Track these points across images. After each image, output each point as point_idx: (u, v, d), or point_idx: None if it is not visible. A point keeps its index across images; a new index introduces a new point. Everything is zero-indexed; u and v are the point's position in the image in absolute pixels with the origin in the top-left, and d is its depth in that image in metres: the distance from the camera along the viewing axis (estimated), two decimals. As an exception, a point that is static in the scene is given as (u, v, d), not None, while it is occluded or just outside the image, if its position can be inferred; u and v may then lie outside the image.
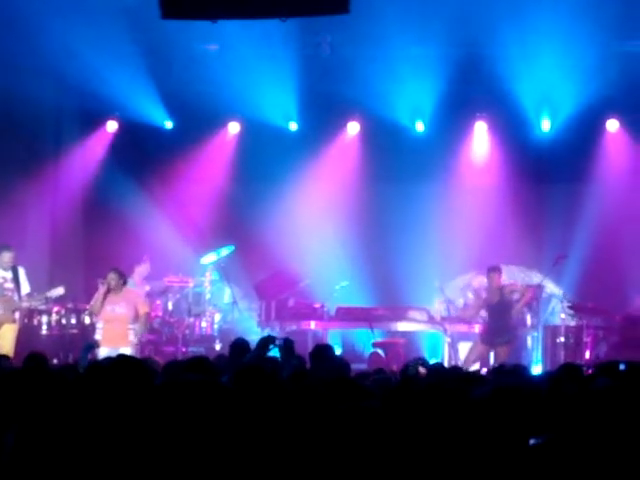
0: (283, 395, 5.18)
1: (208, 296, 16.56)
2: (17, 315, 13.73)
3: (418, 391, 4.88)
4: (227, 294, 16.97)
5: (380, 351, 15.48)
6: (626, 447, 4.33)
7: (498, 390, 4.94)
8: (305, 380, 6.26)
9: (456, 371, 8.47)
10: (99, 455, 4.56)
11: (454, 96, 16.41)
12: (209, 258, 16.74)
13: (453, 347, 15.07)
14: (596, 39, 14.93)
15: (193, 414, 4.50)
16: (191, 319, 16.18)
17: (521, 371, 8.51)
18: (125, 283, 13.31)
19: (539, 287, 15.72)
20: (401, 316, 15.74)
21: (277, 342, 8.58)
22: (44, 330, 14.96)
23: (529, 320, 15.55)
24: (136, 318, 13.23)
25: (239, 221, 17.21)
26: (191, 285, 16.48)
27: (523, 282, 16.37)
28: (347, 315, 15.90)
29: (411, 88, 16.33)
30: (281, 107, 17.13)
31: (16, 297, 13.67)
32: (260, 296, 16.44)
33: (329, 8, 10.61)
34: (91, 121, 17.50)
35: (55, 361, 12.97)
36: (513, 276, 17.09)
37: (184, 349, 15.54)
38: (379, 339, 15.78)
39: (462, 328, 15.49)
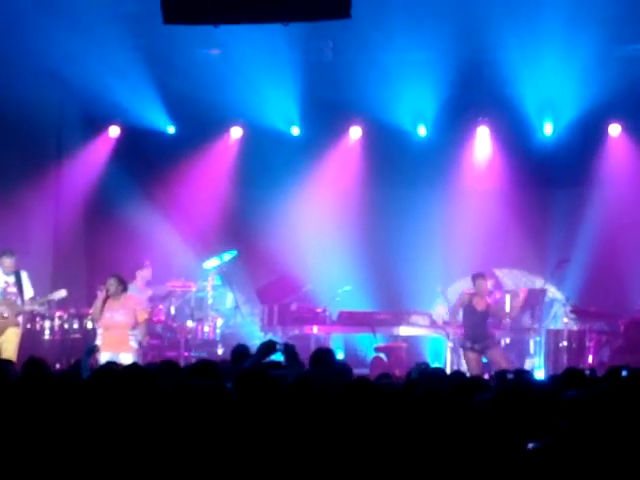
0: (286, 400, 5.18)
1: (210, 301, 16.55)
2: (20, 319, 13.77)
3: (422, 396, 4.88)
4: (229, 299, 16.97)
5: (382, 356, 15.49)
6: (627, 451, 4.33)
7: (502, 395, 4.94)
8: (309, 385, 6.26)
9: (458, 376, 8.47)
10: (102, 459, 4.57)
11: (456, 100, 16.43)
12: (212, 263, 16.75)
13: (455, 352, 15.05)
14: (598, 43, 14.92)
15: (197, 419, 4.50)
16: (194, 324, 16.18)
17: (524, 376, 8.51)
18: (125, 289, 13.30)
19: (542, 291, 15.71)
20: (403, 321, 15.74)
21: (278, 347, 8.58)
22: (47, 335, 14.98)
23: (531, 324, 15.54)
24: (136, 324, 13.23)
25: (242, 226, 17.21)
26: (194, 290, 16.48)
27: (525, 286, 16.36)
28: (349, 320, 15.91)
29: (413, 92, 16.34)
30: (283, 112, 17.14)
31: (19, 301, 13.70)
32: (262, 301, 16.45)
33: (331, 13, 10.63)
34: (93, 126, 17.52)
35: (58, 366, 12.97)
36: (516, 280, 17.10)
37: (187, 354, 15.55)
38: (381, 344, 15.79)
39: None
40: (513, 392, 5.01)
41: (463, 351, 14.12)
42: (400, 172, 16.91)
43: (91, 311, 13.52)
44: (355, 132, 17.66)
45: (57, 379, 5.91)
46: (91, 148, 17.63)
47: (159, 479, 4.28)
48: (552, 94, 16.08)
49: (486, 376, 11.06)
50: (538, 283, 16.53)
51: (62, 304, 15.04)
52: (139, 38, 15.77)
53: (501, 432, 4.69)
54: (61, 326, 15.07)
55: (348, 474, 4.09)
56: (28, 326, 14.53)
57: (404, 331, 15.72)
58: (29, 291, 13.81)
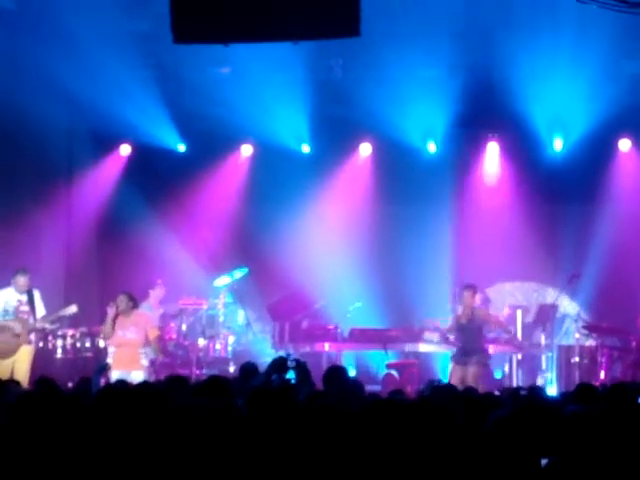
0: (299, 418, 5.18)
1: (222, 318, 16.56)
2: (33, 337, 13.82)
3: (434, 413, 4.88)
4: (241, 316, 16.99)
5: (394, 372, 15.48)
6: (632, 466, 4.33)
7: (516, 412, 4.94)
8: (322, 402, 6.26)
9: (470, 392, 8.47)
10: (112, 478, 4.58)
11: (466, 117, 16.46)
12: (223, 280, 16.77)
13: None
14: (607, 59, 14.95)
15: (208, 438, 4.51)
16: (205, 341, 16.19)
17: (537, 392, 8.51)
18: (135, 307, 13.34)
19: (553, 307, 15.69)
20: (415, 337, 15.73)
21: (289, 364, 8.55)
22: (59, 353, 15.03)
23: (543, 340, 15.52)
24: (147, 342, 13.26)
25: (252, 243, 17.24)
26: (205, 307, 16.49)
27: (537, 301, 16.36)
28: (361, 336, 15.91)
29: (423, 109, 16.37)
30: (294, 129, 17.19)
31: (31, 320, 13.75)
32: (274, 318, 16.47)
33: (340, 31, 10.65)
34: (104, 144, 17.59)
35: (70, 384, 12.98)
36: (527, 295, 17.08)
37: (198, 371, 15.56)
38: (393, 360, 15.78)
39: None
40: (527, 409, 5.01)
41: (454, 365, 13.99)
42: (410, 188, 16.93)
43: (101, 327, 13.56)
44: (365, 149, 17.69)
45: (67, 397, 5.93)
46: (102, 166, 17.70)
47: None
48: (562, 110, 16.09)
49: (496, 392, 11.03)
50: (549, 298, 16.53)
51: (74, 322, 15.09)
52: (149, 56, 15.85)
53: (515, 449, 4.69)
54: (73, 344, 15.12)
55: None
56: (40, 344, 14.56)
57: (415, 348, 15.70)
58: (41, 310, 13.87)
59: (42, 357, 14.38)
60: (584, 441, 4.72)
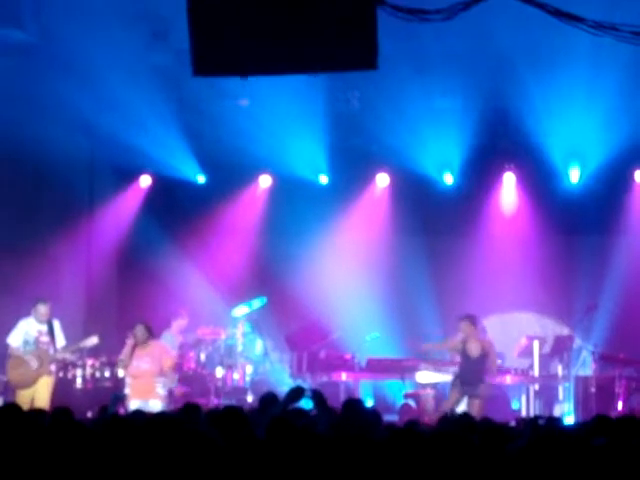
0: (320, 448, 5.21)
1: (240, 348, 16.60)
2: (53, 368, 13.91)
3: (451, 443, 4.93)
4: (259, 346, 17.02)
5: (411, 402, 15.48)
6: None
7: (535, 442, 4.97)
8: (344, 433, 6.28)
9: (487, 423, 8.50)
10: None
11: (482, 148, 16.54)
12: (241, 310, 16.82)
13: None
14: (622, 90, 15.00)
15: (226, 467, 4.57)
16: (223, 371, 16.24)
17: (555, 422, 8.54)
18: (151, 337, 13.45)
19: (570, 337, 15.70)
20: (432, 367, 15.75)
21: (306, 393, 8.57)
22: (78, 383, 15.09)
23: (560, 371, 15.52)
24: (162, 372, 13.36)
25: (270, 273, 17.31)
26: (223, 337, 16.54)
27: (553, 332, 16.36)
28: (378, 366, 15.93)
29: (440, 141, 16.47)
30: (311, 161, 17.30)
31: (52, 350, 13.85)
32: (291, 348, 16.52)
33: (358, 64, 10.74)
34: (124, 176, 17.74)
35: (89, 414, 13.07)
36: (545, 327, 17.06)
37: (216, 401, 15.59)
38: (410, 390, 15.78)
39: (493, 379, 15.48)
40: (546, 439, 5.05)
41: (450, 385, 14.20)
42: (427, 220, 17.02)
43: (119, 357, 13.66)
44: (382, 180, 17.77)
45: (86, 428, 6.00)
46: (122, 198, 17.84)
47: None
48: (578, 141, 16.14)
49: (513, 423, 11.04)
50: (566, 329, 16.52)
51: (94, 352, 15.19)
52: (169, 89, 16.00)
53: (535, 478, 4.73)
54: (93, 374, 15.19)
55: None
56: (60, 374, 14.66)
57: (433, 377, 15.72)
58: (61, 340, 13.98)
59: (62, 387, 14.46)
60: (612, 474, 4.77)
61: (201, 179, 17.90)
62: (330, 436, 5.94)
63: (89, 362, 15.23)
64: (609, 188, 16.47)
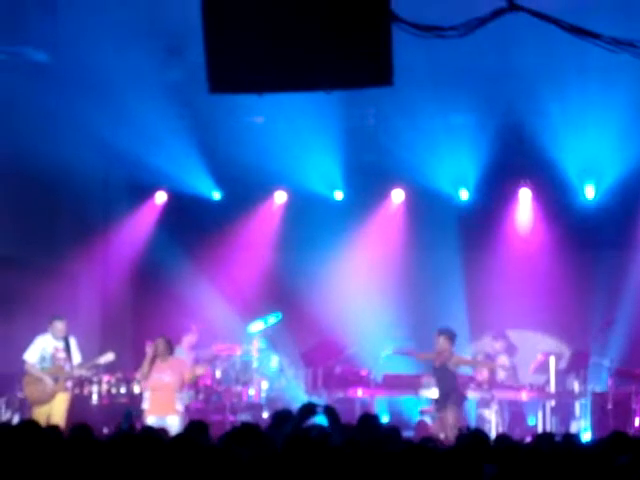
0: (336, 463, 5.21)
1: (256, 364, 16.58)
2: (69, 384, 13.94)
3: (471, 460, 4.92)
4: (274, 362, 17.00)
5: (427, 418, 15.44)
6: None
7: (554, 459, 4.95)
8: (357, 448, 6.28)
9: (503, 439, 8.47)
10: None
11: (498, 164, 16.52)
12: (256, 326, 16.83)
13: (500, 414, 14.99)
14: (637, 106, 14.99)
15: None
16: (239, 387, 16.23)
17: (572, 439, 8.50)
18: (172, 352, 13.47)
19: (586, 354, 15.63)
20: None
21: (318, 409, 8.50)
22: (94, 400, 15.12)
23: (576, 387, 15.46)
24: (182, 386, 13.36)
25: (286, 289, 17.31)
26: (239, 353, 16.55)
27: (569, 348, 16.31)
28: (394, 382, 15.90)
29: (455, 156, 16.48)
30: (327, 176, 17.32)
31: (68, 367, 13.88)
32: (307, 364, 16.50)
33: (374, 81, 10.76)
34: (140, 193, 17.79)
35: (105, 430, 13.09)
36: (560, 346, 16.97)
37: (232, 417, 15.58)
38: (426, 406, 15.74)
39: (509, 395, 15.45)
40: (563, 456, 5.03)
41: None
42: (442, 235, 16.99)
43: (138, 374, 13.66)
44: (397, 196, 17.78)
45: (104, 444, 6.01)
46: (138, 214, 17.89)
47: None
48: (593, 157, 16.12)
49: (528, 438, 10.99)
50: (580, 345, 16.46)
51: (109, 369, 15.21)
52: (184, 106, 16.07)
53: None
54: (108, 391, 15.21)
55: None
56: (76, 391, 14.68)
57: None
58: (77, 357, 14.02)
59: (78, 403, 14.49)
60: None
61: (216, 195, 17.94)
62: (345, 449, 5.92)
63: (105, 378, 15.25)
64: (625, 204, 16.43)
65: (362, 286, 17.07)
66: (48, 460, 5.71)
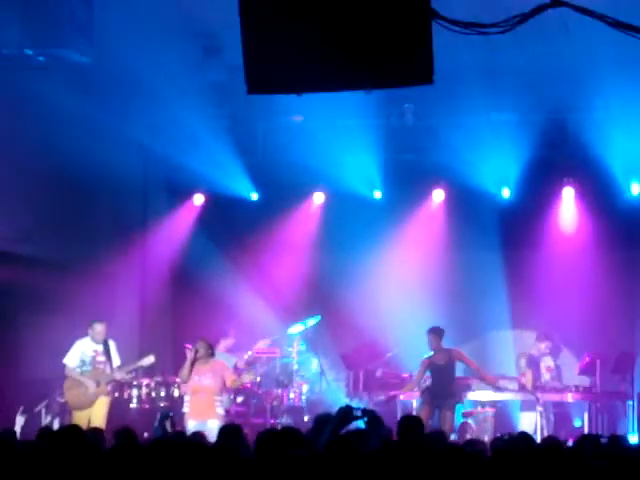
0: (372, 469, 5.11)
1: (296, 367, 16.50)
2: (109, 388, 13.92)
3: (512, 465, 4.78)
4: (314, 364, 16.92)
5: (470, 421, 15.26)
6: None
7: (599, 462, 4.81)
8: (395, 452, 6.14)
9: (551, 442, 8.30)
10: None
11: (540, 161, 16.30)
12: (296, 328, 16.74)
13: (546, 417, 14.79)
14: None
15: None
16: (279, 390, 16.14)
17: (619, 441, 8.34)
18: (213, 354, 13.38)
19: (632, 355, 15.40)
20: (491, 385, 15.50)
21: (356, 412, 8.30)
22: (134, 403, 15.08)
23: (623, 388, 15.23)
24: (223, 389, 13.26)
25: (325, 291, 17.19)
26: (279, 356, 16.48)
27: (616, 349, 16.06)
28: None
29: (496, 154, 16.26)
30: (365, 176, 17.18)
31: (108, 370, 13.86)
32: (348, 366, 16.38)
33: (413, 79, 10.61)
34: (178, 194, 17.76)
35: (145, 435, 13.02)
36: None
37: (272, 420, 15.50)
38: (469, 409, 15.56)
39: (555, 397, 15.24)
40: (611, 459, 4.89)
41: (420, 399, 14.54)
42: (484, 234, 16.76)
43: (178, 377, 13.59)
44: (438, 195, 17.58)
45: (146, 448, 5.94)
46: (176, 216, 17.84)
47: None
48: (638, 154, 15.86)
49: (570, 442, 10.80)
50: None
51: (149, 372, 15.17)
52: (222, 107, 16.02)
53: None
54: (148, 394, 15.15)
55: None
56: (116, 394, 14.66)
57: (492, 396, 15.48)
58: (117, 360, 14.00)
59: (118, 407, 14.48)
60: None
61: (254, 196, 17.84)
62: (383, 454, 5.80)
63: (144, 382, 15.20)
64: (671, 201, 16.18)
65: (402, 287, 16.92)
66: (93, 465, 5.67)
